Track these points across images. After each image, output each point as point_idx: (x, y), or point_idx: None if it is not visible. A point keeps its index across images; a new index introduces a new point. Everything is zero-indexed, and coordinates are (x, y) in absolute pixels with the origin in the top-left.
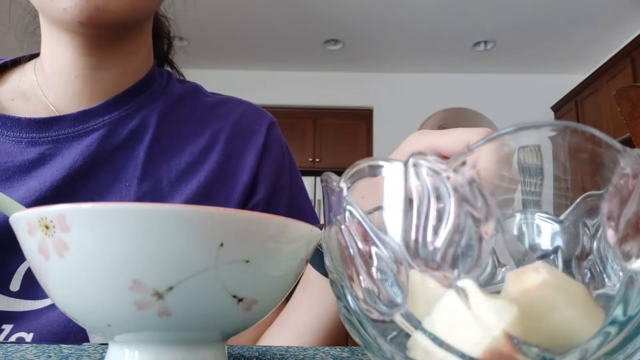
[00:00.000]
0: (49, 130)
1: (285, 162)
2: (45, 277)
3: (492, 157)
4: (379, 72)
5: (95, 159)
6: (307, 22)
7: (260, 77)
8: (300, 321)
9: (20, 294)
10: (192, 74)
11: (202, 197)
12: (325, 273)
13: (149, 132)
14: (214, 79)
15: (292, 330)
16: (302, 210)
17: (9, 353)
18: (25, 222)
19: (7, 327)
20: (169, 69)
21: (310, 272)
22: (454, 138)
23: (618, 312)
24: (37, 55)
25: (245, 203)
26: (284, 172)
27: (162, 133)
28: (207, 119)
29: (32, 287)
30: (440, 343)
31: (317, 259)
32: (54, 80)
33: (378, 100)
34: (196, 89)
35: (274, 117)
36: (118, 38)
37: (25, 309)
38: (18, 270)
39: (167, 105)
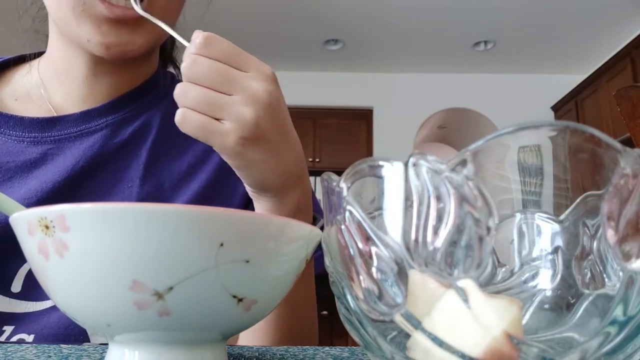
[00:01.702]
0: (51, 130)
1: None
2: (45, 277)
3: None
4: (379, 72)
5: (97, 159)
6: (307, 22)
7: None
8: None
9: (22, 296)
10: None
11: (204, 198)
12: None
13: (152, 133)
14: None
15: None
16: None
17: (9, 353)
18: (25, 222)
19: (9, 329)
20: (171, 68)
21: None
22: None
23: (618, 312)
24: (42, 53)
25: (248, 203)
26: None
27: (164, 134)
28: None
29: (33, 289)
30: (440, 343)
31: None
32: (60, 80)
33: (378, 100)
34: None
35: None
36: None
37: (27, 311)
38: (19, 271)
39: (169, 106)
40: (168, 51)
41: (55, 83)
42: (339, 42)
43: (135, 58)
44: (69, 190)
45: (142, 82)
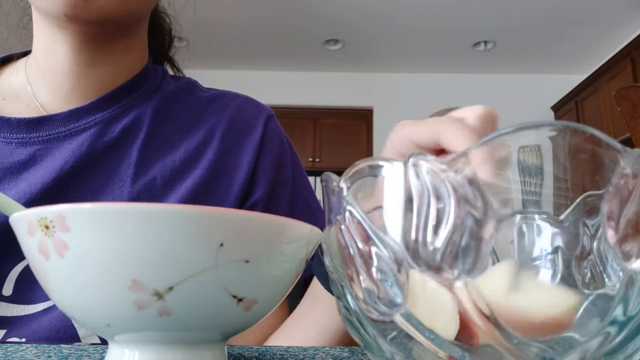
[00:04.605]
0: (39, 130)
1: (287, 157)
2: (45, 278)
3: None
4: (379, 72)
5: (87, 158)
6: (307, 22)
7: (260, 77)
8: (306, 336)
9: (13, 299)
10: (192, 74)
11: (198, 195)
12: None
13: (142, 130)
14: (213, 79)
15: (297, 344)
16: (306, 205)
17: (9, 353)
18: (25, 222)
19: (1, 332)
20: (168, 66)
21: (317, 286)
22: (425, 128)
23: (618, 312)
24: (29, 52)
25: (244, 200)
26: (285, 167)
27: (156, 130)
28: (202, 114)
29: (25, 292)
30: (422, 330)
31: (322, 276)
32: (46, 77)
33: (378, 100)
34: (191, 85)
35: (272, 110)
36: (112, 36)
37: (18, 314)
38: (10, 274)
39: (161, 102)
40: (165, 49)
41: (41, 80)
42: (339, 42)
43: (106, 26)
44: (58, 191)
45: (130, 77)
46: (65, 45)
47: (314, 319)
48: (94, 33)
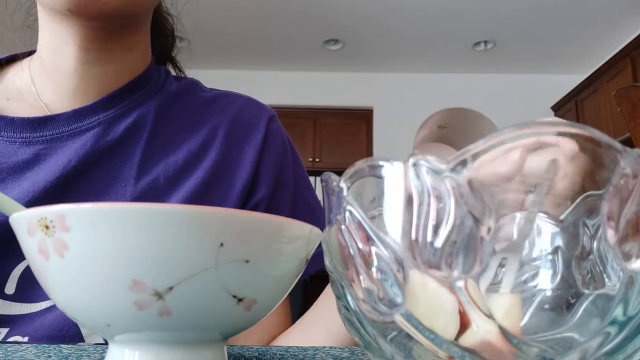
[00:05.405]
0: (43, 129)
1: (288, 157)
2: (45, 278)
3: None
4: (379, 72)
5: (90, 158)
6: (307, 22)
7: (260, 77)
8: (319, 339)
9: (16, 297)
10: (192, 74)
11: (200, 195)
12: None
13: (146, 130)
14: (213, 79)
15: (319, 334)
16: (308, 205)
17: (9, 353)
18: (25, 222)
19: (3, 331)
20: (170, 66)
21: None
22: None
23: (618, 312)
24: (34, 52)
25: (246, 201)
26: (286, 168)
27: (159, 130)
28: (204, 115)
29: (27, 290)
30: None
31: None
32: (50, 75)
33: (378, 100)
34: (193, 85)
35: (274, 111)
36: (116, 33)
37: (21, 313)
38: (13, 273)
39: (164, 102)
40: (168, 49)
41: (45, 79)
42: (339, 42)
43: (109, 22)
44: (61, 190)
45: (133, 77)
46: (72, 43)
47: (330, 313)
48: (98, 29)
